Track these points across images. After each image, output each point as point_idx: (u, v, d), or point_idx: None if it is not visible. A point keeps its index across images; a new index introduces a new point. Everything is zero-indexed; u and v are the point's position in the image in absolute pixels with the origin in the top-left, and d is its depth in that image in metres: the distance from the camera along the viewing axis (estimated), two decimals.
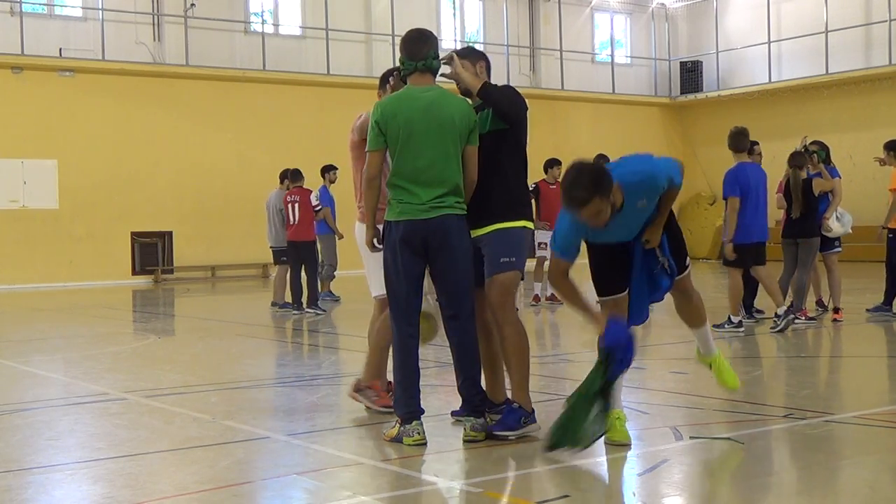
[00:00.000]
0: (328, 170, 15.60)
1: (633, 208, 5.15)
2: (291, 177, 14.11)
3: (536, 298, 13.93)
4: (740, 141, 10.51)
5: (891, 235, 11.36)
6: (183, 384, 7.91)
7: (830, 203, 11.11)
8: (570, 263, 5.30)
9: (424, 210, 5.36)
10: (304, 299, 13.73)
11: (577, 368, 8.55)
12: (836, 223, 10.97)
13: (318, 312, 13.49)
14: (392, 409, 5.74)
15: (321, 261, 15.63)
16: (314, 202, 13.81)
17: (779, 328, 10.07)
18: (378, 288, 6.09)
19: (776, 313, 10.24)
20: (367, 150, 5.48)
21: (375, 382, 6.31)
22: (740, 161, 10.45)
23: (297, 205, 13.73)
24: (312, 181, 15.30)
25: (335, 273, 15.76)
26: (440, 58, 5.58)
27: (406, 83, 5.60)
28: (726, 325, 10.24)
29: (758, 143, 11.35)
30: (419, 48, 5.51)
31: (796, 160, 10.94)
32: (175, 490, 4.59)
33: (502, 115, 5.57)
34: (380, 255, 5.62)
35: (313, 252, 13.84)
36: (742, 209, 10.22)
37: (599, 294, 5.52)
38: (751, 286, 11.06)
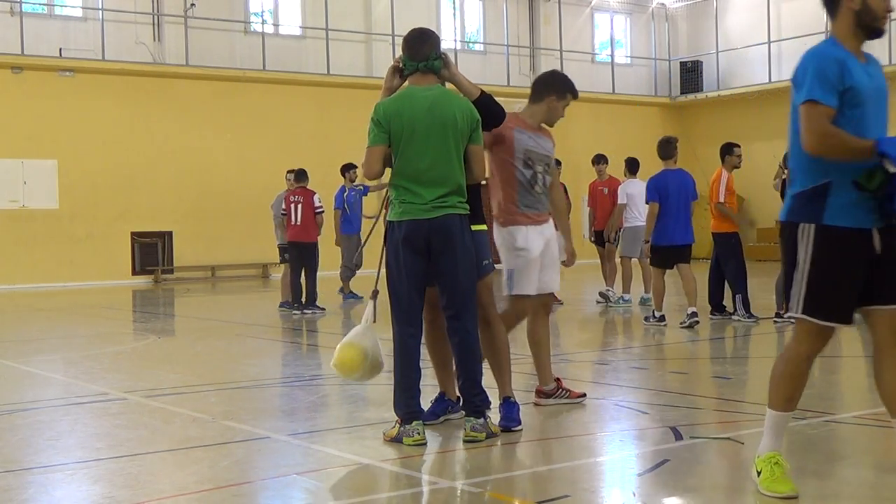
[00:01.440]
0: (348, 168, 15.61)
1: (877, 68, 4.39)
2: (295, 177, 14.07)
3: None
4: (665, 149, 11.46)
5: None
6: (183, 384, 7.91)
7: None
8: (832, 109, 4.11)
9: (427, 210, 5.37)
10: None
11: (577, 368, 8.56)
12: None
13: (316, 311, 13.50)
14: (581, 397, 6.42)
15: (341, 261, 15.75)
16: (317, 203, 13.75)
17: (686, 324, 10.77)
18: (520, 287, 6.15)
19: (777, 313, 10.47)
20: (367, 145, 5.48)
21: (556, 379, 6.48)
22: (666, 168, 11.34)
23: (300, 205, 13.69)
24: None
25: (354, 272, 15.80)
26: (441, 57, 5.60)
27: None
28: (651, 319, 11.18)
29: (738, 146, 11.55)
30: (420, 49, 5.52)
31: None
32: (175, 490, 4.59)
33: (496, 123, 5.80)
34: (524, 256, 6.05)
35: (314, 253, 13.80)
36: (661, 213, 11.13)
37: (818, 313, 4.19)
38: (719, 285, 11.50)
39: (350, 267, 15.64)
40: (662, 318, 11.13)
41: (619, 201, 13.65)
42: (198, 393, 7.49)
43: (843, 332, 10.33)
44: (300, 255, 13.75)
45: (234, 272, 23.63)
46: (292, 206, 13.75)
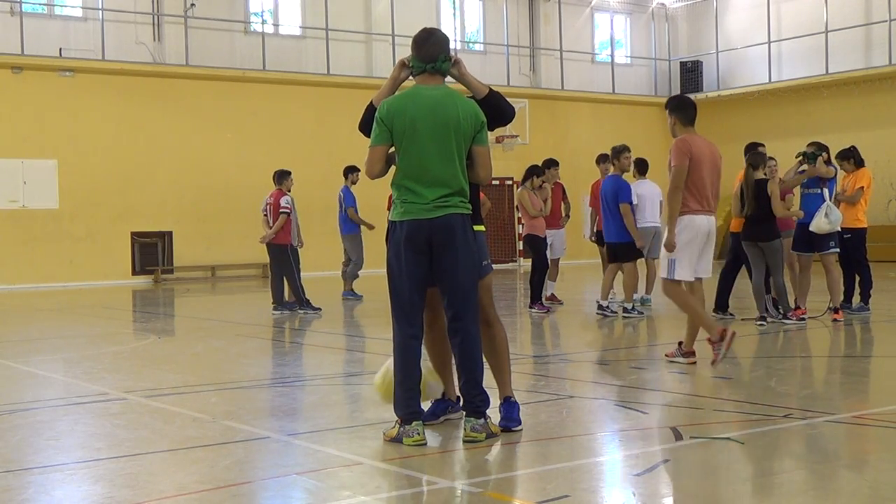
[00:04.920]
0: (350, 171, 15.65)
1: None
2: (274, 178, 14.02)
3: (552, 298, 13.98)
4: (605, 157, 13.23)
5: (848, 235, 11.36)
6: (183, 384, 7.91)
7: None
8: None
9: (429, 209, 5.37)
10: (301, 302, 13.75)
11: (577, 368, 8.56)
12: (824, 220, 10.79)
13: (308, 312, 13.48)
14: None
15: (346, 258, 15.80)
16: (283, 205, 13.65)
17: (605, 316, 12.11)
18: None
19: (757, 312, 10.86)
20: (370, 145, 5.49)
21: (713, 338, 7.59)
22: (608, 175, 12.83)
23: (271, 207, 13.73)
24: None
25: (359, 272, 15.84)
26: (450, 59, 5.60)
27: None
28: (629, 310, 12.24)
29: (762, 145, 11.41)
30: (428, 50, 5.52)
31: (752, 159, 10.73)
32: (175, 490, 4.59)
33: (505, 121, 5.82)
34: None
35: (286, 255, 13.72)
36: (601, 214, 12.58)
37: None
38: (727, 285, 11.61)
39: (358, 265, 15.71)
40: (610, 310, 12.17)
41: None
42: (198, 393, 7.49)
43: (844, 334, 10.35)
44: (272, 257, 13.79)
45: (234, 272, 23.63)
46: (268, 208, 13.78)
